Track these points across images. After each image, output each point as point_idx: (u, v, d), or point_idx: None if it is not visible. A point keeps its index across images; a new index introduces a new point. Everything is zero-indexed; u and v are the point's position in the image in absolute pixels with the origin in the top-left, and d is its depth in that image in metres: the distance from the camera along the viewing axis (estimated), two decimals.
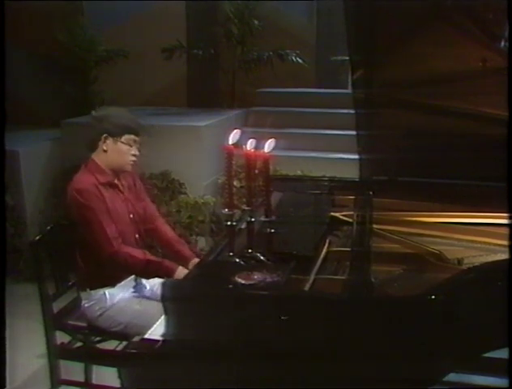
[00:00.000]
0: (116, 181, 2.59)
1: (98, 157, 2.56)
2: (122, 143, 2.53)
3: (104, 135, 2.53)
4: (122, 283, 2.55)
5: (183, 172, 4.34)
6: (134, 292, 2.58)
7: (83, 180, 2.50)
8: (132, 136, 2.55)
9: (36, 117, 5.36)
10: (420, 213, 2.54)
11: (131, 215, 2.60)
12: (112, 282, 2.53)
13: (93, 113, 2.65)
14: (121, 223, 2.52)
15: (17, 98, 4.42)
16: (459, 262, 2.10)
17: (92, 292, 2.53)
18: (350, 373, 1.71)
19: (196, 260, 2.57)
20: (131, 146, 2.55)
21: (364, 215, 2.38)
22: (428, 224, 2.47)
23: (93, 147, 2.58)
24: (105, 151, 2.54)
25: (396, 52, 2.35)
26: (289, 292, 1.84)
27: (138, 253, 2.50)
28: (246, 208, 1.99)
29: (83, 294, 2.56)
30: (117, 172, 2.60)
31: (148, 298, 2.54)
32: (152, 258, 2.53)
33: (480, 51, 2.24)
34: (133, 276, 2.59)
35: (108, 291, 2.52)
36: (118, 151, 2.54)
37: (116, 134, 2.53)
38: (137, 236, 2.62)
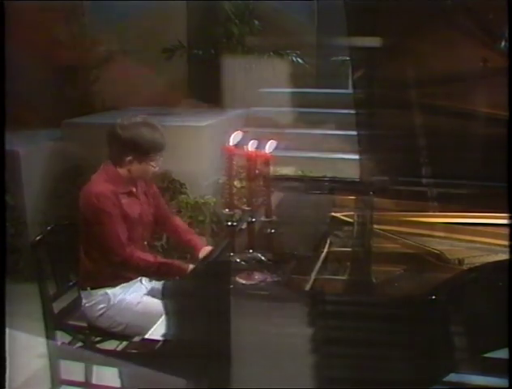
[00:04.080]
0: (134, 190, 2.57)
1: (121, 169, 2.50)
2: (148, 164, 2.49)
3: (130, 158, 2.46)
4: (124, 284, 2.55)
5: (183, 172, 4.33)
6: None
7: (102, 186, 2.45)
8: (157, 156, 2.51)
9: (36, 117, 5.35)
10: (420, 213, 2.54)
11: (144, 221, 2.60)
12: (115, 283, 2.53)
13: (119, 122, 2.50)
14: (134, 228, 2.52)
15: (17, 98, 4.41)
16: (460, 262, 2.10)
17: (93, 291, 2.53)
18: (350, 373, 1.71)
19: (207, 248, 2.57)
20: (156, 162, 2.52)
21: (365, 215, 2.38)
22: (428, 224, 2.47)
23: (115, 158, 2.50)
24: (129, 170, 2.49)
25: (396, 52, 2.35)
26: (290, 292, 1.84)
27: (150, 256, 2.51)
28: (247, 208, 1.99)
29: (83, 294, 2.56)
30: (137, 180, 2.58)
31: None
32: (163, 260, 2.54)
33: (480, 51, 2.24)
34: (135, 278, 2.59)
35: (109, 291, 2.52)
36: (142, 169, 2.50)
37: (142, 159, 2.47)
38: (145, 240, 2.63)
